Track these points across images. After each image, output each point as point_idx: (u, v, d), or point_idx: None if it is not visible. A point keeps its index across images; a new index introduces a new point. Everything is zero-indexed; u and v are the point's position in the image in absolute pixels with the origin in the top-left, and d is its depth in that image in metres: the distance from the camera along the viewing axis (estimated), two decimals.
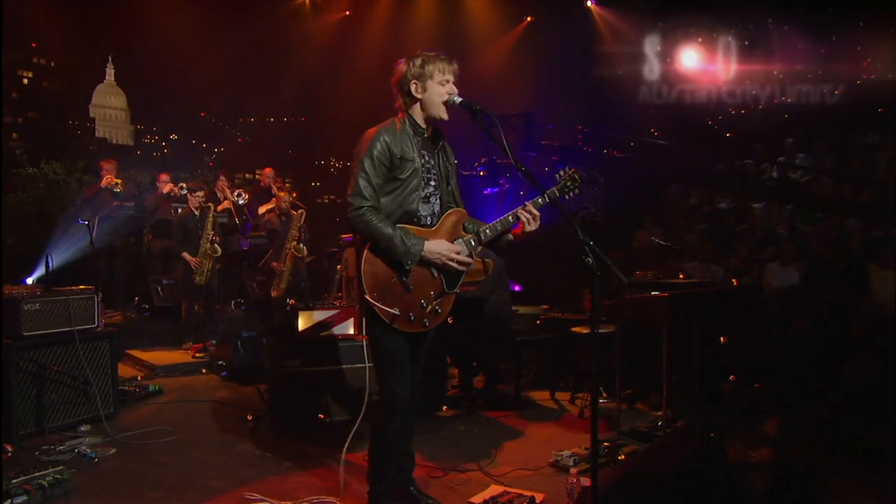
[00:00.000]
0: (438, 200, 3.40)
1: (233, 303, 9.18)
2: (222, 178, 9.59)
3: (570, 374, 6.36)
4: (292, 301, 7.95)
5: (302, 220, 8.39)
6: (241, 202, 9.32)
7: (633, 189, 11.02)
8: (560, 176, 3.57)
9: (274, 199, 8.92)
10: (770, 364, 6.01)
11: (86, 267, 8.34)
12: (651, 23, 11.46)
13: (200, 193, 7.84)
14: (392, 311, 3.18)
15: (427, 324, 3.29)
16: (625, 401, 5.81)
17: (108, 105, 15.51)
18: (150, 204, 8.72)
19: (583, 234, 2.99)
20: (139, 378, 6.69)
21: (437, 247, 3.25)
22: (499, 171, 9.32)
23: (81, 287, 6.76)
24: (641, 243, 9.30)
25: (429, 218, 3.34)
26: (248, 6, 12.20)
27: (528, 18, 13.68)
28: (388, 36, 13.55)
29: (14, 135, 13.02)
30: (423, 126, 3.34)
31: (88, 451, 4.49)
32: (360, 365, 5.29)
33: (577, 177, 3.57)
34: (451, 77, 3.30)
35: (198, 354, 7.39)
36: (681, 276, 6.16)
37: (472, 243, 3.37)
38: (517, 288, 9.96)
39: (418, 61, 3.29)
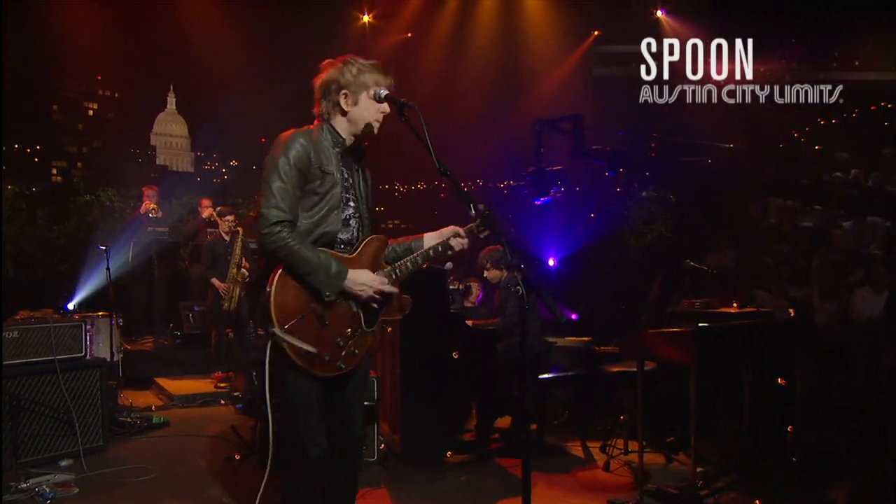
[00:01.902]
0: (358, 224, 2.88)
1: (261, 330, 8.91)
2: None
3: (603, 418, 5.56)
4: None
5: None
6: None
7: (706, 206, 10.05)
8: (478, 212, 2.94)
9: None
10: (848, 411, 4.99)
11: (125, 292, 8.32)
12: (721, 31, 10.49)
13: (230, 218, 7.62)
14: (306, 347, 2.64)
15: (343, 366, 2.73)
16: (666, 450, 4.98)
17: (169, 133, 16.03)
18: (190, 229, 8.63)
19: (512, 256, 2.41)
20: (153, 408, 6.45)
21: (362, 276, 2.72)
22: (549, 180, 8.54)
23: (100, 313, 6.71)
24: (711, 267, 8.30)
25: (348, 243, 2.83)
26: (307, 32, 12.17)
27: (596, 32, 13.00)
28: (447, 57, 13.20)
29: (79, 164, 13.65)
30: (344, 137, 2.82)
31: (48, 490, 4.19)
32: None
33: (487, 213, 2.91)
34: (385, 91, 2.79)
35: (221, 384, 7.11)
36: (734, 304, 5.25)
37: (393, 276, 2.85)
38: (574, 316, 9.19)
39: (353, 68, 2.77)
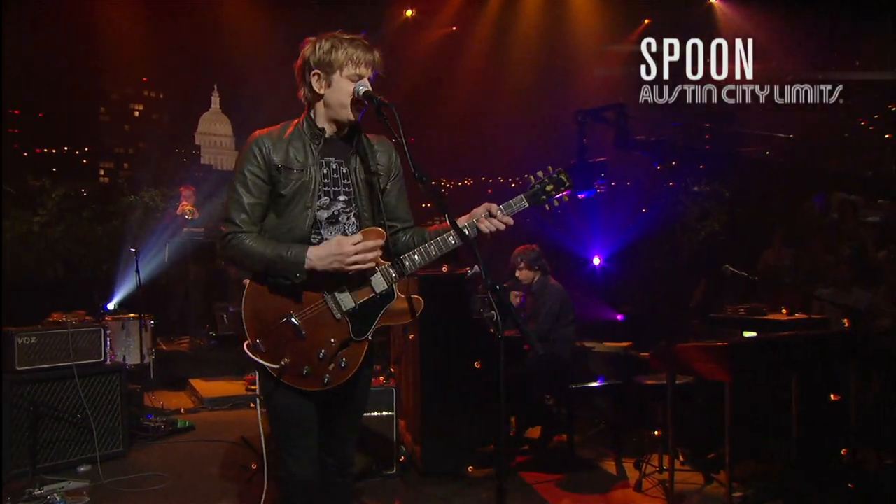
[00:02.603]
0: (354, 219, 2.60)
1: None
2: None
3: (640, 431, 5.21)
4: None
5: None
6: None
7: (763, 201, 9.46)
8: (539, 178, 2.67)
9: None
10: None
11: (162, 293, 8.37)
12: (778, 17, 9.83)
13: None
14: (273, 364, 2.44)
15: (328, 381, 2.50)
16: (704, 468, 4.60)
17: (214, 132, 16.20)
18: None
19: (488, 278, 2.14)
20: (182, 411, 6.42)
21: (326, 248, 2.43)
22: (592, 172, 8.13)
23: (131, 315, 6.72)
24: (767, 265, 7.80)
25: None
26: (349, 28, 12.01)
27: (646, 21, 12.47)
28: (492, 51, 12.88)
29: (125, 165, 13.94)
30: (322, 127, 2.57)
31: (58, 498, 4.15)
32: (374, 413, 4.61)
33: (564, 178, 2.65)
34: (366, 70, 2.52)
35: (252, 387, 7.02)
36: (783, 310, 4.82)
37: (392, 274, 2.54)
38: (620, 317, 8.78)
39: (326, 45, 2.51)
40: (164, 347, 7.94)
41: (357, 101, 2.49)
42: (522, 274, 5.69)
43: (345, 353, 2.51)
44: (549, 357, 5.41)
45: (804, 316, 4.77)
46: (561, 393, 5.39)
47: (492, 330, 2.19)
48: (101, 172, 15.18)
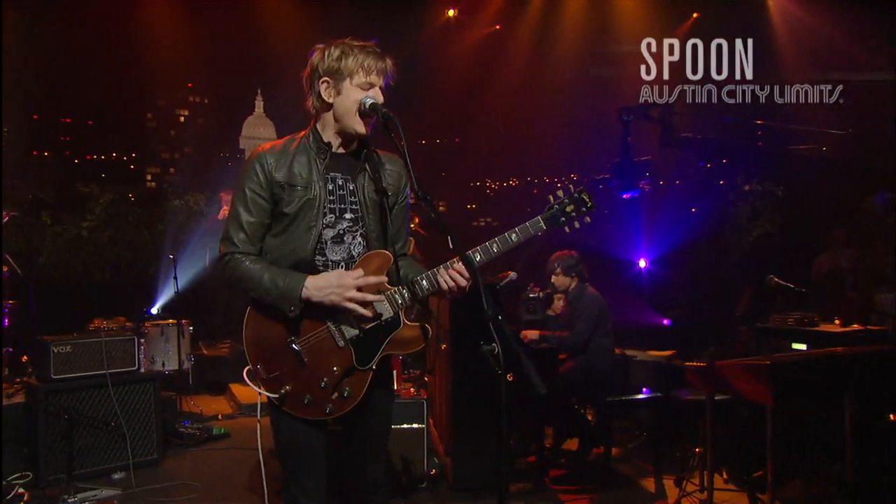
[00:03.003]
0: (360, 240, 2.49)
1: None
2: None
3: (683, 445, 4.97)
4: None
5: (411, 250, 7.81)
6: None
7: (819, 200, 8.99)
8: (558, 198, 2.51)
9: None
10: None
11: (205, 297, 8.44)
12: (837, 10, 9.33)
13: None
14: (273, 394, 2.37)
15: (330, 410, 2.41)
16: (749, 488, 4.35)
17: (258, 136, 16.37)
18: None
19: (490, 307, 1.99)
20: (220, 416, 6.44)
21: (324, 279, 2.35)
22: (637, 172, 7.85)
23: (170, 321, 6.78)
24: (822, 270, 7.39)
25: (341, 264, 2.46)
26: (391, 30, 12.00)
27: (695, 15, 12.05)
28: (535, 48, 12.65)
29: (171, 169, 14.18)
30: (328, 141, 2.47)
31: None
32: (403, 425, 4.52)
33: (586, 198, 2.48)
34: (377, 79, 2.42)
35: None
36: (837, 321, 4.51)
37: (399, 301, 2.43)
38: (667, 322, 8.49)
39: (336, 52, 2.41)
40: (206, 352, 8.01)
41: (365, 113, 2.37)
42: (558, 280, 5.52)
43: (348, 382, 2.41)
44: (587, 367, 5.24)
45: (860, 327, 4.45)
46: (599, 405, 5.20)
47: (492, 365, 2.00)
48: (148, 177, 15.56)
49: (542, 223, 2.44)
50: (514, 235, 2.41)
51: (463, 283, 2.36)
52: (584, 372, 5.23)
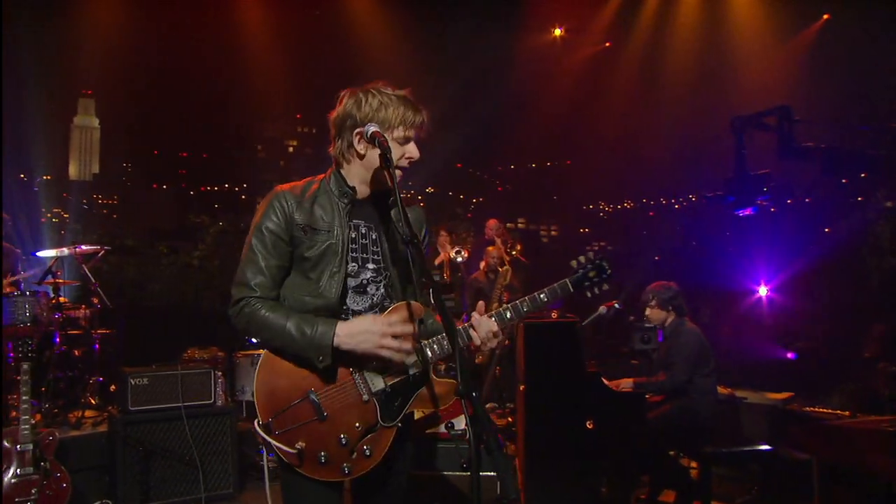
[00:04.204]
0: (382, 290, 2.30)
1: (443, 367, 8.57)
2: (443, 232, 9.21)
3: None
4: (498, 369, 7.06)
5: (507, 278, 7.53)
6: (458, 259, 8.77)
7: None
8: (581, 263, 2.40)
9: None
10: None
11: None
12: None
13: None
14: (290, 449, 2.13)
15: (347, 470, 2.16)
16: None
17: None
18: None
19: (465, 384, 1.69)
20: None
21: (360, 325, 2.15)
22: (753, 186, 7.11)
23: (260, 351, 6.83)
24: None
25: (364, 314, 2.25)
26: (496, 50, 11.90)
27: (825, 16, 11.06)
28: (646, 63, 12.09)
29: None
30: (353, 185, 2.28)
31: None
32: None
33: (605, 265, 2.39)
34: (413, 133, 2.23)
35: None
36: None
37: (430, 354, 2.21)
38: (791, 355, 7.60)
39: (374, 101, 2.21)
40: None
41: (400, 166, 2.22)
42: (653, 313, 5.01)
43: (370, 440, 2.17)
44: (685, 411, 4.68)
45: None
46: (698, 455, 4.62)
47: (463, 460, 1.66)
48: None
49: (569, 286, 2.37)
50: (542, 296, 2.31)
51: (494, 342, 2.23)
52: (681, 416, 4.67)
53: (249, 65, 10.61)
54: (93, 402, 5.49)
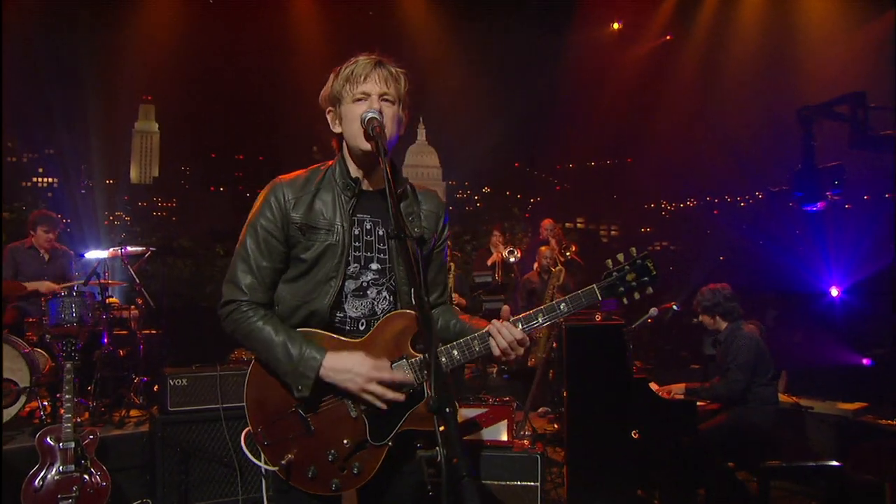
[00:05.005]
0: (387, 294, 2.14)
1: (495, 371, 8.39)
2: (496, 232, 9.07)
3: None
4: (553, 372, 6.85)
5: (561, 279, 7.31)
6: (511, 259, 8.61)
7: None
8: (618, 263, 2.12)
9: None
10: None
11: None
12: None
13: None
14: (272, 466, 2.04)
15: (336, 486, 2.02)
16: None
17: (421, 164, 16.44)
18: None
19: (434, 400, 1.56)
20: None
21: (347, 361, 1.98)
22: (822, 180, 6.58)
23: None
24: None
25: (361, 322, 2.11)
26: (554, 46, 11.64)
27: None
28: (708, 56, 11.59)
29: None
30: (356, 175, 2.12)
31: None
32: (515, 482, 4.00)
33: (650, 266, 2.09)
34: (373, 86, 2.04)
35: None
36: None
37: (425, 371, 2.01)
38: (867, 362, 7.07)
39: (330, 78, 2.11)
40: None
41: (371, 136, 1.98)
42: (703, 319, 4.72)
43: (359, 458, 2.03)
44: (742, 422, 4.36)
45: None
46: (756, 469, 4.29)
47: (431, 471, 1.46)
48: None
49: (597, 293, 2.08)
50: (563, 305, 2.06)
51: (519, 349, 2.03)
52: (738, 426, 4.36)
53: (303, 66, 10.68)
54: (137, 401, 5.54)
